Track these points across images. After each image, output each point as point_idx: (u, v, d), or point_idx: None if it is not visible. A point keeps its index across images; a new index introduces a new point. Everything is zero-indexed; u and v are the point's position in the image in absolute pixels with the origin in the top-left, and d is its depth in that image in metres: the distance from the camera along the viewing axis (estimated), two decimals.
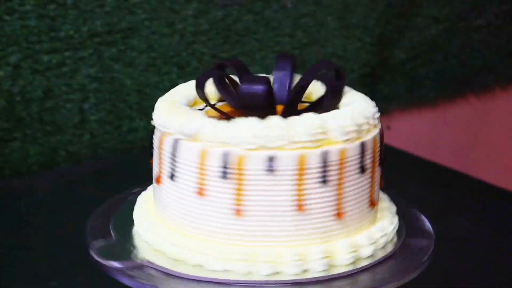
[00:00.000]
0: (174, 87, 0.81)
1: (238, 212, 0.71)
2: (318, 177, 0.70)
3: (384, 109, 1.41)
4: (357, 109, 0.74)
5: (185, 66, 1.20)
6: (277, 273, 0.70)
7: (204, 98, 0.76)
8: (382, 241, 0.76)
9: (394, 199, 0.83)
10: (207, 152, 0.70)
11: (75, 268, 0.80)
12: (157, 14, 1.16)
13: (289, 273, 0.70)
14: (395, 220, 0.79)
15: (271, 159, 0.69)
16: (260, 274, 0.70)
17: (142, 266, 0.72)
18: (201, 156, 0.71)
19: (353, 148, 0.72)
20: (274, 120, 0.70)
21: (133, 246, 0.75)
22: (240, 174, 0.70)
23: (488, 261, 0.86)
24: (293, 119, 0.71)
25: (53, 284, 0.78)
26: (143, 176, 0.80)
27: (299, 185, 0.70)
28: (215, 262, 0.71)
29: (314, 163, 0.70)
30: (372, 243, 0.75)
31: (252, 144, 0.69)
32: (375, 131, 0.75)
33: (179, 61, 1.19)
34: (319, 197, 0.71)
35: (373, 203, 0.75)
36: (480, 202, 1.03)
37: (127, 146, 1.19)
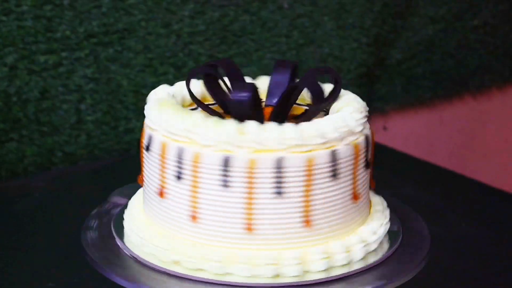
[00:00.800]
0: None
1: (141, 181, 0.80)
2: (174, 172, 0.73)
3: (381, 109, 1.41)
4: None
5: (182, 66, 1.20)
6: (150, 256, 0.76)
7: (193, 97, 0.79)
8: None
9: (390, 199, 0.83)
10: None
11: (72, 269, 0.80)
12: (154, 15, 1.16)
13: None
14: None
15: (149, 142, 0.76)
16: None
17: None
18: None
19: (210, 156, 0.72)
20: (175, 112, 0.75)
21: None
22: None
23: (485, 262, 0.86)
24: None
25: (50, 286, 0.78)
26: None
27: (162, 173, 0.75)
28: (132, 235, 0.79)
29: (171, 157, 0.73)
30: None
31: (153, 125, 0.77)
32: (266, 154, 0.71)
33: (175, 61, 1.19)
34: (175, 192, 0.74)
35: (249, 228, 0.72)
36: (477, 203, 1.03)
37: (123, 147, 1.19)
